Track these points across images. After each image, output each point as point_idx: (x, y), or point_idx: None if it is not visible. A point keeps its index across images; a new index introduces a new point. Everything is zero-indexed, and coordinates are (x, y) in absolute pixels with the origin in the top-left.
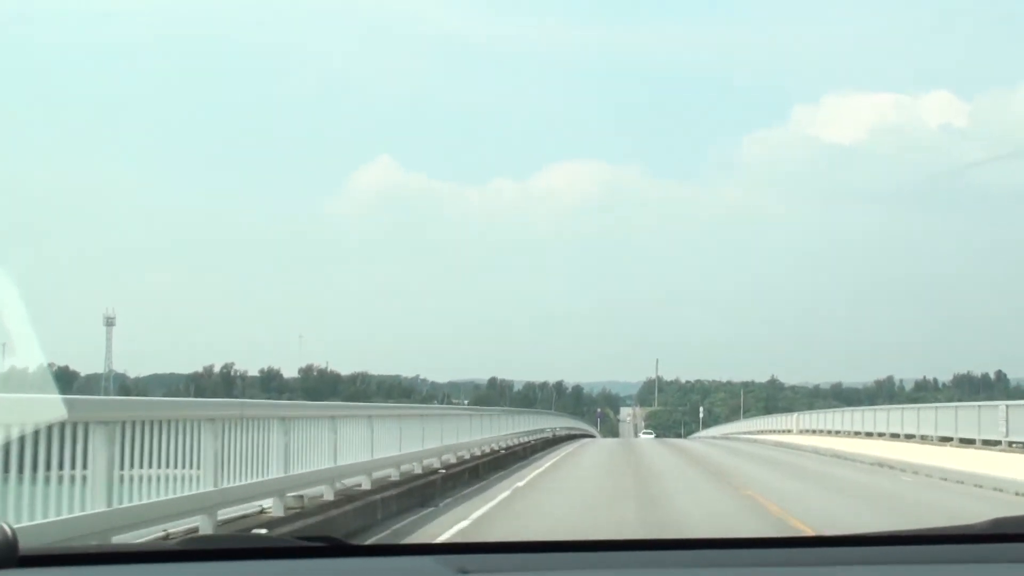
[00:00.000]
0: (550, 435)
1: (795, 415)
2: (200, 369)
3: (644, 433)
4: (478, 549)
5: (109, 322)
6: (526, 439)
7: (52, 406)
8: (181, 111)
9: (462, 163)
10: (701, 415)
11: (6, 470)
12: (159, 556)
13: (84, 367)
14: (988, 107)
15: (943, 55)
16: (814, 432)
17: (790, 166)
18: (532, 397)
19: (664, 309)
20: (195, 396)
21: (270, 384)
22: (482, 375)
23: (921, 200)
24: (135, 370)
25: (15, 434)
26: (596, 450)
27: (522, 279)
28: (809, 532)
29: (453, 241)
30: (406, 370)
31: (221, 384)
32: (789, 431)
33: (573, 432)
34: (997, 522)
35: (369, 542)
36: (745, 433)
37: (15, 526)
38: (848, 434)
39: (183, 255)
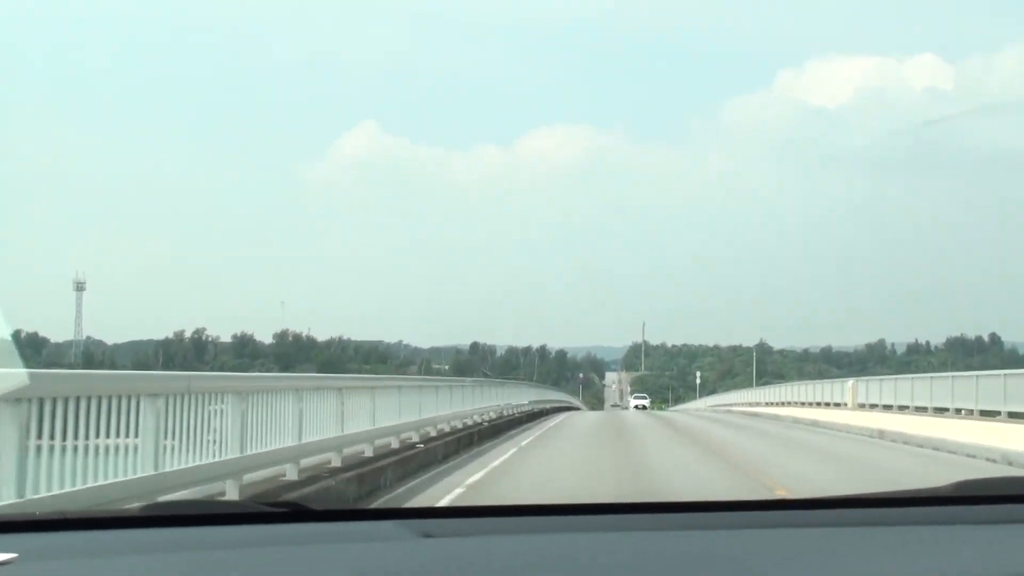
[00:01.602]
0: (486, 421)
1: (851, 382)
2: (171, 335)
3: (635, 399)
4: (442, 514)
5: (79, 287)
6: (422, 434)
7: None
8: (157, 76)
9: (447, 129)
10: (698, 381)
11: None
12: (119, 522)
13: (56, 334)
14: (974, 69)
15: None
16: (889, 408)
17: (777, 129)
18: (515, 362)
19: (651, 273)
20: (164, 363)
21: (243, 350)
22: (465, 340)
23: (910, 162)
24: (112, 336)
25: None
26: (566, 444)
27: (506, 244)
28: None
29: (437, 206)
30: (389, 336)
31: (192, 350)
32: (842, 405)
33: (542, 407)
34: (961, 484)
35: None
36: (760, 406)
37: None
38: (968, 414)
39: (161, 221)
